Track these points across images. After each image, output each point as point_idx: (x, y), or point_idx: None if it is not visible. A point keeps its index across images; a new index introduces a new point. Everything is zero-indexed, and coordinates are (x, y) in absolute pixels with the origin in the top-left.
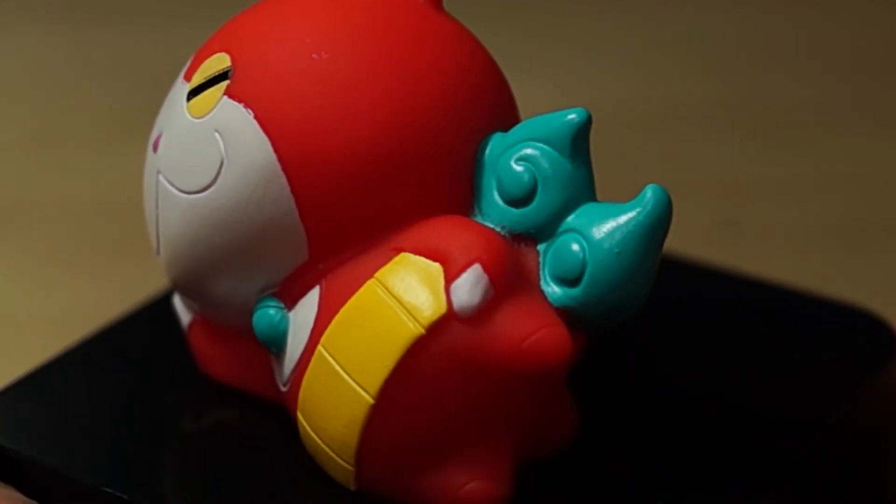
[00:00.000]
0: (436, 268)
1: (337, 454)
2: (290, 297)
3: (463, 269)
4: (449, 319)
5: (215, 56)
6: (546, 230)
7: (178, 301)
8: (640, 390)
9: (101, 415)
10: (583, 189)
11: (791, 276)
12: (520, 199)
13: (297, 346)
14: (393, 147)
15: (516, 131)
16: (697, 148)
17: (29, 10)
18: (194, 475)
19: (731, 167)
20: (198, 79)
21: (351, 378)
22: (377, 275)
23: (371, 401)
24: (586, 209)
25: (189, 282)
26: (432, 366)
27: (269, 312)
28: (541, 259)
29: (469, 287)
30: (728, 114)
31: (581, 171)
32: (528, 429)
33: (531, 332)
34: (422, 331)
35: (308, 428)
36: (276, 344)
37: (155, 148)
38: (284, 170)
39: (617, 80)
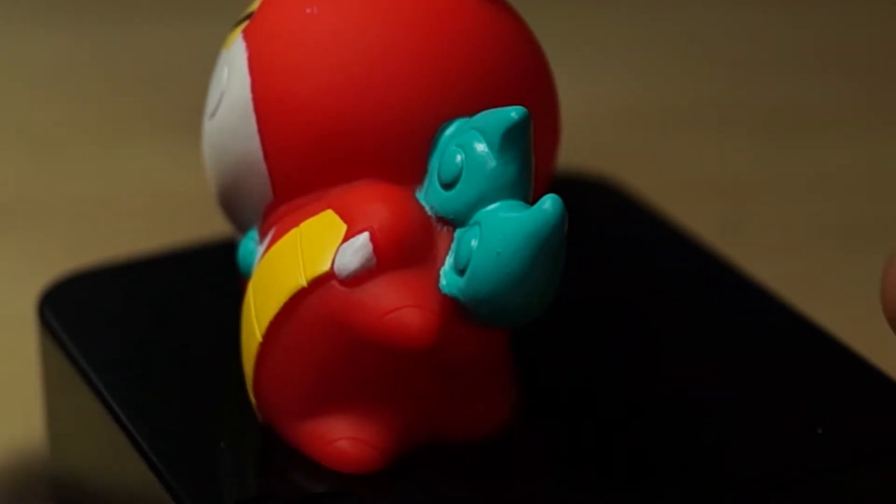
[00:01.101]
0: (342, 228)
1: (248, 384)
2: (262, 233)
3: (353, 234)
4: (328, 278)
5: None
6: (463, 218)
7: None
8: (615, 380)
9: (143, 330)
10: (507, 186)
11: (792, 276)
12: (448, 183)
13: None
14: (357, 108)
15: (474, 119)
16: (699, 148)
17: (29, 9)
18: (186, 393)
19: (732, 167)
20: (241, 16)
21: (255, 315)
22: (302, 224)
23: (259, 339)
24: (501, 206)
25: (217, 200)
26: (308, 319)
27: (247, 244)
28: (452, 245)
29: (351, 252)
30: (729, 114)
31: (508, 167)
32: (436, 407)
33: (396, 308)
34: (304, 284)
35: (243, 357)
36: (248, 275)
37: None
38: (255, 109)
39: (617, 80)
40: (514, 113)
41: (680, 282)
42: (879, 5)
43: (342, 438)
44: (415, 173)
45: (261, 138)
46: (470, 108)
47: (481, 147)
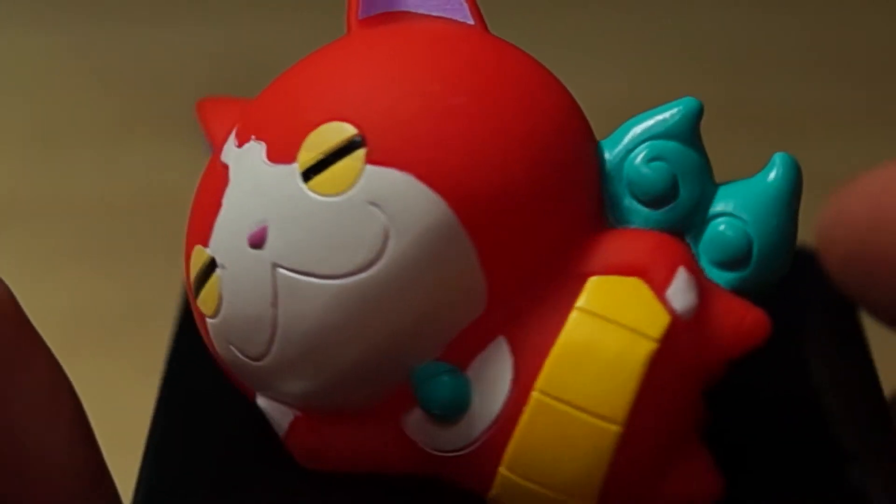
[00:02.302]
0: (635, 282)
1: (572, 496)
2: (462, 357)
3: (670, 276)
4: (674, 327)
5: (325, 127)
6: (691, 222)
7: (271, 405)
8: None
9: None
10: (710, 175)
11: None
12: (661, 199)
13: (493, 404)
14: (546, 176)
15: (623, 135)
16: None
17: (29, 10)
18: None
19: (733, 167)
20: (311, 156)
21: (589, 413)
22: (578, 305)
23: (618, 429)
24: (725, 192)
25: (320, 376)
26: (666, 375)
27: (443, 380)
28: (695, 251)
29: (684, 291)
30: (729, 114)
31: (704, 158)
32: None
33: (742, 317)
34: (655, 345)
35: (523, 481)
36: (457, 410)
37: (259, 243)
38: (463, 223)
39: (617, 80)
40: (684, 106)
41: None
42: (879, 5)
43: (701, 473)
44: (600, 212)
45: (477, 250)
46: (592, 136)
47: (682, 150)
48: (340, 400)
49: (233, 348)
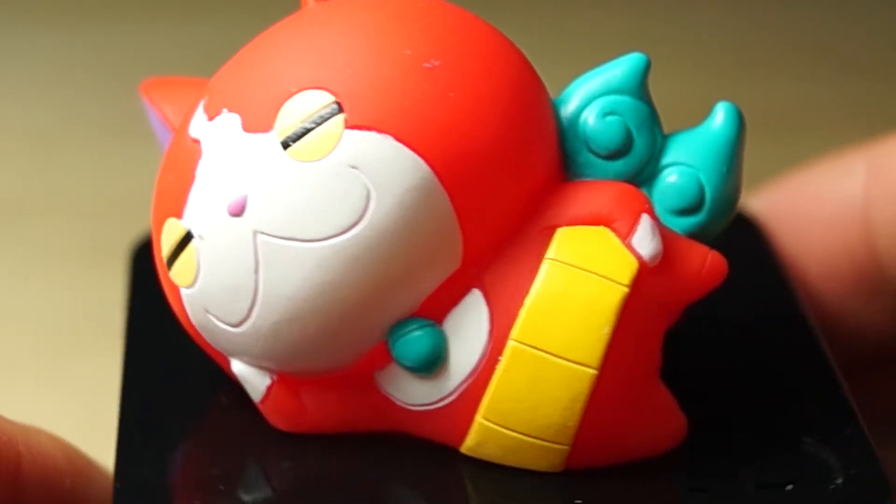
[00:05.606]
0: (602, 231)
1: (548, 440)
2: (437, 311)
3: (634, 223)
4: (642, 272)
5: (301, 95)
6: (645, 173)
7: (248, 371)
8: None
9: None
10: (660, 126)
11: None
12: (618, 151)
13: (469, 355)
14: (514, 132)
15: (574, 92)
16: None
17: (29, 9)
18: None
19: None
20: (289, 124)
21: (564, 359)
22: (549, 255)
23: (594, 372)
24: (674, 142)
25: (300, 339)
26: (636, 319)
27: (419, 334)
28: (652, 197)
29: (649, 237)
30: None
31: (654, 110)
32: None
33: (702, 259)
34: (626, 290)
35: (500, 428)
36: (434, 363)
37: (239, 211)
38: (442, 181)
39: None
40: (634, 61)
41: None
42: (880, 4)
43: (671, 419)
44: (559, 166)
45: (454, 207)
46: (548, 94)
47: (633, 103)
48: (318, 362)
49: (211, 317)
